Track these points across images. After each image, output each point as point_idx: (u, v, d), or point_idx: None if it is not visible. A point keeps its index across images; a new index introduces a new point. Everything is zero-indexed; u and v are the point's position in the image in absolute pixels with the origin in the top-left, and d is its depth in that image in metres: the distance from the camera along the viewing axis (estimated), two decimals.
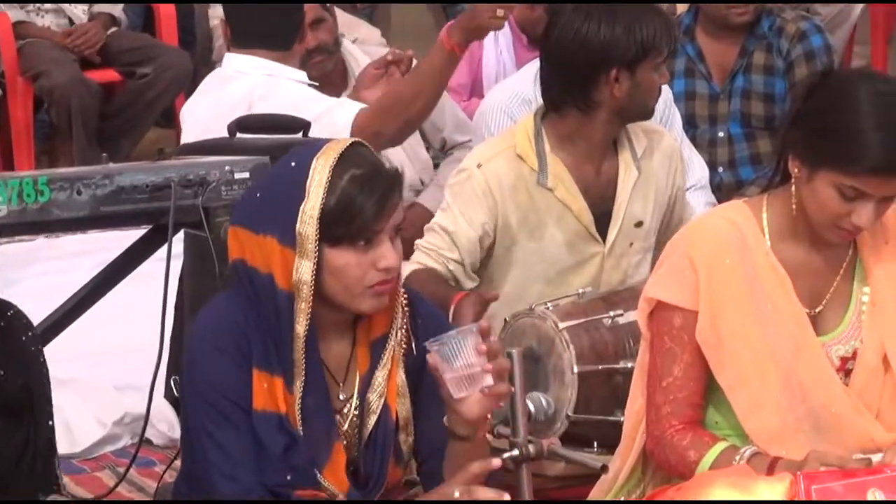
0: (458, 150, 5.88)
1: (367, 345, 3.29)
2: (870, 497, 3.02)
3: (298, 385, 3.15)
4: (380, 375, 3.28)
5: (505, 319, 4.13)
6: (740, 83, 6.04)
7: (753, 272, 3.34)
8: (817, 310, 3.36)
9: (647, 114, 4.47)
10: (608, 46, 4.29)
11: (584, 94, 4.34)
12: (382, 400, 3.27)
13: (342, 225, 2.87)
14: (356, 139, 3.18)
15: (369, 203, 2.91)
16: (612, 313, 3.93)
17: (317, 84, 5.42)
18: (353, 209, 2.90)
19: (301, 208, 2.89)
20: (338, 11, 6.50)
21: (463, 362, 2.90)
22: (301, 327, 2.96)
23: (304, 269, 3.00)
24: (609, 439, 3.75)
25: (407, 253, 4.04)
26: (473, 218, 4.34)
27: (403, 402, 3.32)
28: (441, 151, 6.05)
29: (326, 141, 3.06)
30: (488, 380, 2.86)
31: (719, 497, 3.11)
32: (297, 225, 2.92)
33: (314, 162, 2.97)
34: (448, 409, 2.96)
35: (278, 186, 3.05)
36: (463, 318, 4.03)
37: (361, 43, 6.67)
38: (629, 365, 3.75)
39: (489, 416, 3.06)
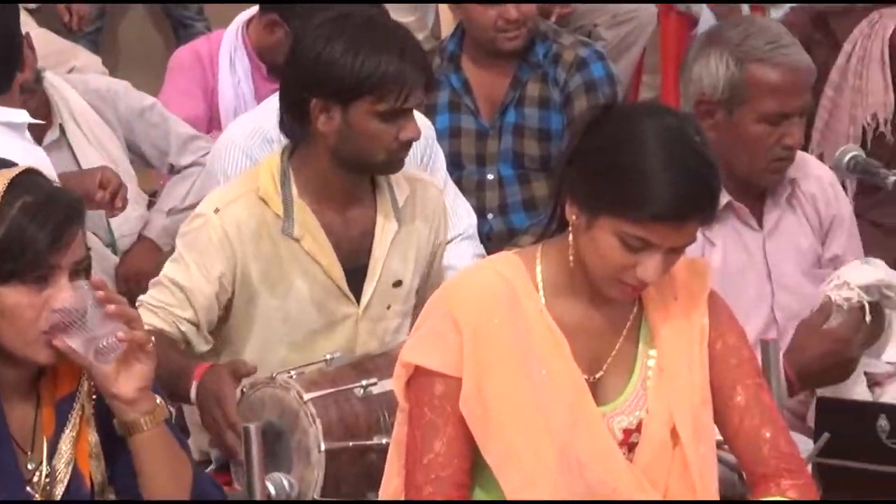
0: (189, 169, 5.72)
1: (53, 405, 3.06)
2: None
3: None
4: (66, 440, 3.06)
5: (242, 389, 3.96)
6: (512, 118, 5.87)
7: (526, 333, 3.18)
8: (597, 375, 3.21)
9: (371, 166, 4.33)
10: (321, 72, 4.15)
11: (300, 126, 4.24)
12: (70, 467, 3.05)
13: (11, 259, 2.73)
14: (29, 166, 3.04)
15: (42, 234, 2.78)
16: (364, 382, 3.80)
17: (42, 122, 5.29)
18: (24, 240, 2.75)
19: None
20: (53, 38, 6.40)
21: (93, 329, 2.78)
22: None
23: None
24: None
25: (134, 294, 4.07)
26: (210, 271, 4.16)
27: (98, 464, 3.11)
28: (171, 175, 5.91)
29: None
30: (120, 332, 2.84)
31: None
32: None
33: None
34: (106, 399, 2.88)
35: None
36: (228, 406, 3.85)
37: (80, 71, 6.38)
38: (384, 441, 3.63)
39: (149, 387, 2.94)
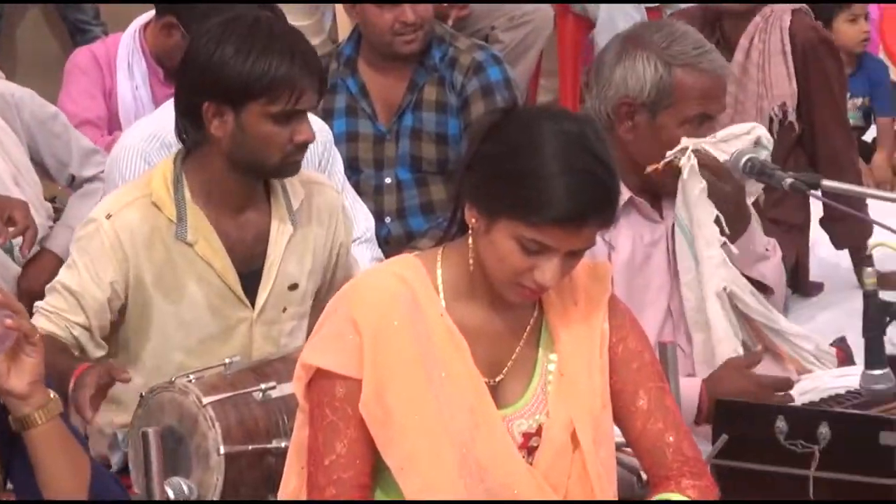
0: (89, 184, 5.60)
1: None
2: None
3: None
4: None
5: (141, 394, 3.92)
6: (409, 122, 5.92)
7: (426, 336, 3.16)
8: (497, 379, 3.19)
9: (266, 169, 4.30)
10: (212, 75, 4.12)
11: (195, 130, 4.21)
12: None
13: None
14: None
15: None
16: (263, 386, 3.77)
17: None
18: None
19: None
20: None
21: None
22: None
23: None
24: None
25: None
26: (101, 276, 4.13)
27: None
28: (71, 188, 5.81)
29: None
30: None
31: None
32: None
33: None
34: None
35: None
36: (83, 391, 3.84)
37: None
38: (283, 444, 3.60)
39: (40, 381, 2.91)
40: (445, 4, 7.40)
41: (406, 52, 5.89)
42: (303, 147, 4.21)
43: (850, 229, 5.58)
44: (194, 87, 4.26)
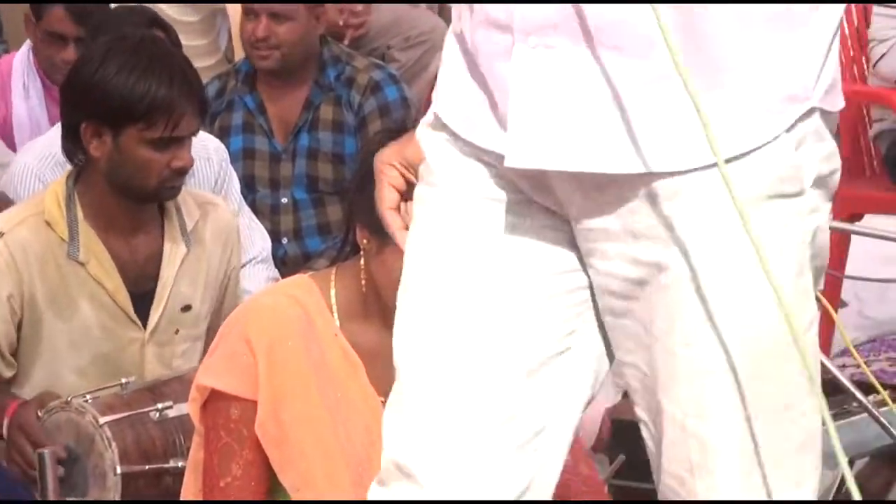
0: None
1: None
2: None
3: None
4: None
5: (37, 414, 3.87)
6: (305, 142, 5.84)
7: (321, 356, 3.25)
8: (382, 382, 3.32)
9: (143, 194, 4.23)
10: (92, 94, 4.08)
11: (77, 149, 4.15)
12: None
13: None
14: None
15: None
16: (160, 406, 3.76)
17: None
18: None
19: None
20: None
21: None
22: None
23: None
24: None
25: None
26: (0, 294, 4.15)
27: None
28: None
29: None
30: None
31: None
32: None
33: None
34: None
35: None
36: (29, 431, 3.78)
37: None
38: (180, 464, 3.57)
39: None
40: (341, 23, 7.18)
41: (261, 67, 5.78)
42: (181, 172, 4.18)
43: None
44: (75, 105, 4.23)
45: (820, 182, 2.06)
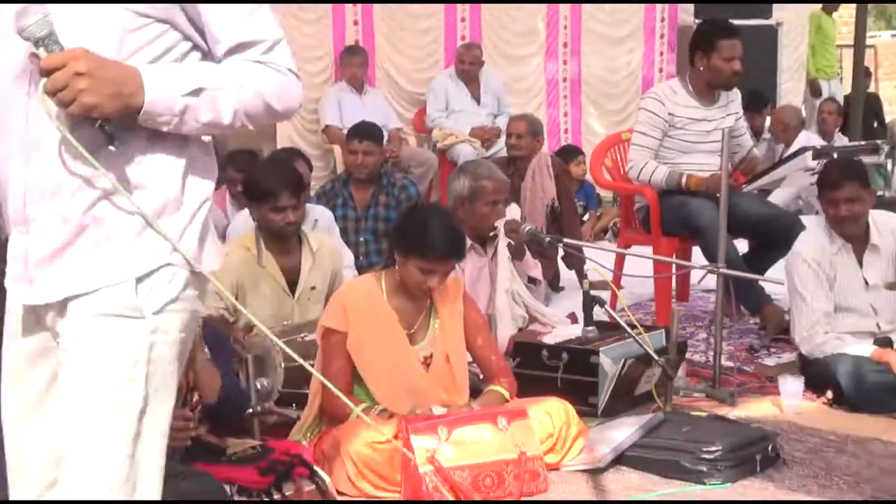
0: None
1: None
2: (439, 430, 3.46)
3: None
4: None
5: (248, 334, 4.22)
6: (372, 212, 6.42)
7: (375, 312, 3.87)
8: (411, 331, 3.89)
9: (276, 233, 4.63)
10: (252, 187, 4.72)
11: (252, 213, 4.62)
12: None
13: None
14: None
15: None
16: (302, 335, 4.25)
17: None
18: None
19: None
20: None
21: None
22: None
23: None
24: (303, 401, 4.00)
25: None
26: (224, 283, 4.31)
27: None
28: None
29: None
30: None
31: (360, 426, 3.53)
32: None
33: None
34: None
35: None
36: (241, 342, 4.13)
37: None
38: (309, 364, 3.43)
39: None
40: (388, 155, 7.66)
41: (357, 176, 6.35)
42: (290, 224, 4.51)
43: (575, 259, 5.86)
44: (248, 197, 4.63)
45: (164, 310, 2.03)
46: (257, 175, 4.65)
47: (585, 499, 3.46)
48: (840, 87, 10.65)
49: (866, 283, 4.52)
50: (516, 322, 4.82)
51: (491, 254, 4.80)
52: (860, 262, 4.52)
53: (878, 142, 5.90)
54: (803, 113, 10.15)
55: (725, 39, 5.46)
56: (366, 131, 6.28)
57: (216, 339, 3.71)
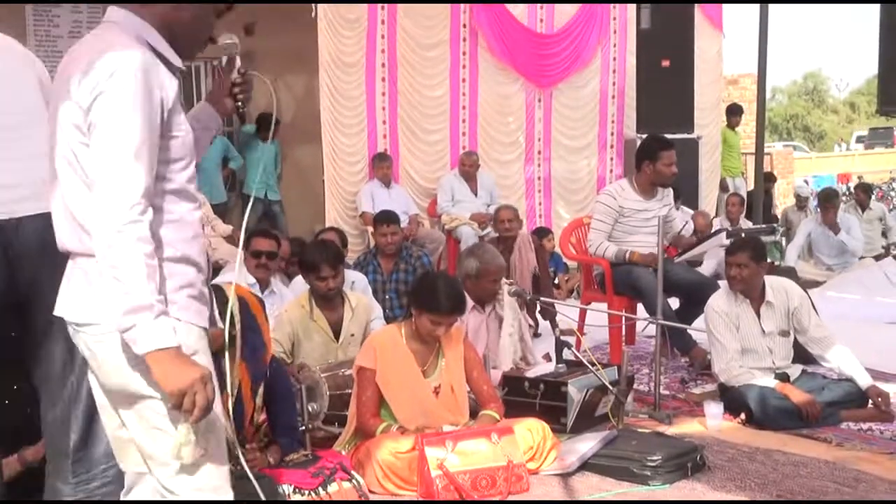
0: None
1: None
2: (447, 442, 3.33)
3: None
4: None
5: (301, 368, 4.08)
6: (395, 277, 6.18)
7: (398, 355, 3.82)
8: (424, 367, 3.81)
9: (321, 295, 4.50)
10: (304, 261, 4.47)
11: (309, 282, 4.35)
12: None
13: None
14: None
15: None
16: (343, 370, 4.12)
17: None
18: None
19: None
20: None
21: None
22: None
23: None
24: (343, 421, 3.89)
25: None
26: (283, 332, 4.39)
27: None
28: None
29: None
30: None
31: (386, 439, 3.44)
32: None
33: None
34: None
35: None
36: (295, 376, 3.99)
37: None
38: (347, 391, 3.98)
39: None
40: (408, 234, 7.31)
41: (385, 251, 6.08)
42: (331, 289, 4.41)
43: (549, 312, 5.23)
44: (304, 272, 4.56)
45: None
46: (306, 254, 4.55)
47: (558, 498, 3.41)
48: (744, 184, 10.55)
49: (763, 330, 4.41)
50: (516, 357, 4.74)
51: (489, 312, 4.65)
52: (758, 314, 4.41)
53: (774, 225, 6.11)
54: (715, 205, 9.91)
55: (665, 151, 5.40)
56: (390, 217, 6.11)
57: (281, 373, 3.60)
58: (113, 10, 1.82)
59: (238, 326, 3.08)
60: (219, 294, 2.91)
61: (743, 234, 5.01)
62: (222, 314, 2.80)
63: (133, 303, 1.69)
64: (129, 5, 1.82)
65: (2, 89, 2.07)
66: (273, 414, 3.40)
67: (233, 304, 2.98)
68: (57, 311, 1.81)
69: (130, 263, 1.70)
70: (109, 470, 2.10)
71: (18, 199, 2.01)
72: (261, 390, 3.27)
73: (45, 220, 1.87)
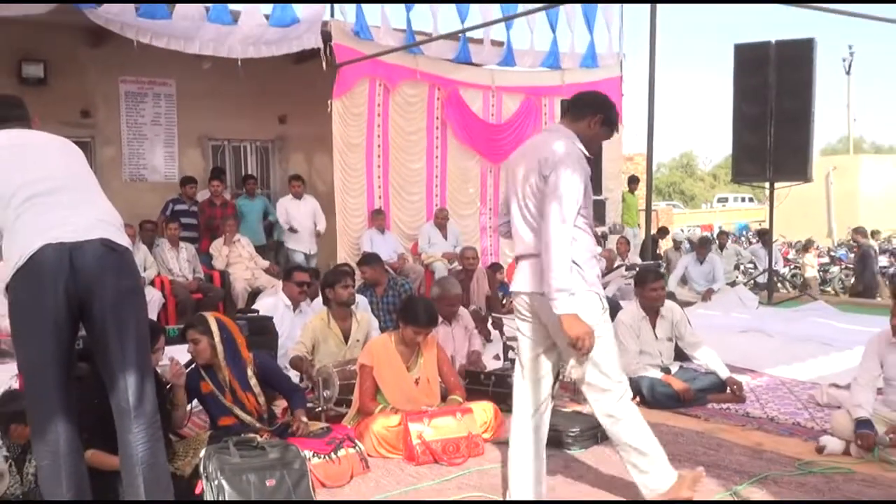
0: None
1: None
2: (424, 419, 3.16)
3: None
4: None
5: (318, 366, 3.87)
6: (386, 301, 5.60)
7: (390, 356, 3.66)
8: (408, 365, 3.69)
9: (338, 305, 4.20)
10: (324, 283, 4.05)
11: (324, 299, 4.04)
12: None
13: None
14: None
15: None
16: (350, 366, 3.95)
17: None
18: None
19: None
20: None
21: None
22: None
23: None
24: (349, 403, 3.79)
25: None
26: (304, 339, 4.21)
27: None
28: None
29: None
30: None
31: (379, 417, 3.31)
32: None
33: None
34: None
35: None
36: (309, 372, 3.86)
37: None
38: (353, 381, 3.80)
39: None
40: (395, 267, 6.94)
41: (371, 284, 5.56)
42: (352, 294, 4.22)
43: (498, 323, 5.16)
44: (323, 287, 4.20)
45: None
46: (329, 275, 4.42)
47: (505, 460, 3.04)
48: (640, 232, 10.54)
49: (656, 337, 4.32)
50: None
51: (454, 325, 4.58)
52: (653, 325, 4.32)
53: (658, 262, 5.69)
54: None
55: None
56: (372, 259, 5.65)
57: (265, 360, 3.48)
58: (555, 125, 2.54)
59: (217, 338, 3.19)
60: (202, 319, 3.17)
61: (637, 269, 4.92)
62: (206, 334, 3.11)
63: (559, 284, 2.23)
64: (564, 120, 2.57)
65: (60, 165, 2.16)
66: (276, 387, 3.36)
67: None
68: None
69: (559, 257, 2.25)
70: (156, 422, 2.12)
71: (81, 230, 2.11)
72: (253, 381, 3.21)
73: (97, 243, 2.05)
